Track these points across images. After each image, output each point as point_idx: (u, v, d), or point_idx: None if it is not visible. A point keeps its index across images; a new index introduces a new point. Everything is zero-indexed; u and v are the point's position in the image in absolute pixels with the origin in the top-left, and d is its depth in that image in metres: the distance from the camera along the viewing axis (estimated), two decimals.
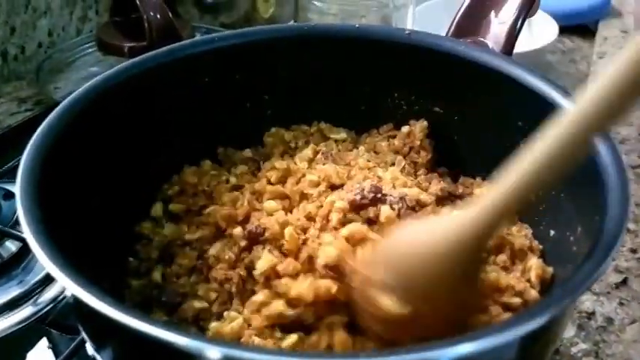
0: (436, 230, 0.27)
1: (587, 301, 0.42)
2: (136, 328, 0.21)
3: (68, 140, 0.32)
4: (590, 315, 0.42)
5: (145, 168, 0.37)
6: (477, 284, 0.28)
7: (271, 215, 0.33)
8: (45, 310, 0.40)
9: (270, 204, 0.34)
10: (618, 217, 0.25)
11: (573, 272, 0.24)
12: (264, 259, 0.30)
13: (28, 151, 0.29)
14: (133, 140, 0.36)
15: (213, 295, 0.31)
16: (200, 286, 0.31)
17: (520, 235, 0.34)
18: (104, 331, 0.26)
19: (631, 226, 0.47)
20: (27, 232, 0.25)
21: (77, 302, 0.26)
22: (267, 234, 0.31)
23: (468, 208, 0.25)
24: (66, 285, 0.23)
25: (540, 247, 0.33)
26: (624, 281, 0.44)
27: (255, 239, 0.31)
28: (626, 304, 0.42)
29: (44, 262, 0.24)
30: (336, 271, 0.28)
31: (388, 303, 0.25)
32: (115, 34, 0.62)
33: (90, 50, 0.67)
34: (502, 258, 0.31)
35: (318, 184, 0.35)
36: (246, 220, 0.33)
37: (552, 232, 0.33)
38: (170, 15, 0.61)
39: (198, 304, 0.30)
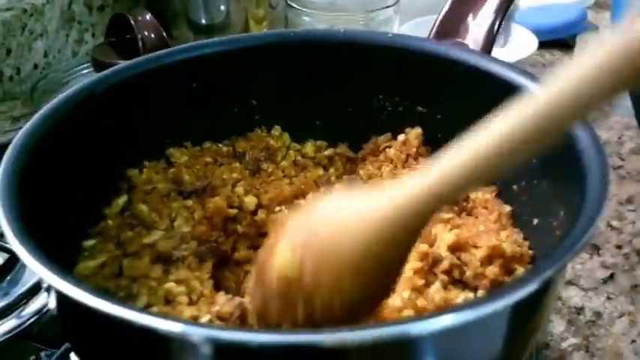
0: (358, 208, 0.23)
1: (575, 297, 0.43)
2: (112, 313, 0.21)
3: (51, 142, 0.32)
4: (580, 310, 0.42)
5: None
6: (395, 272, 0.25)
7: None
8: (28, 322, 0.40)
9: None
10: (600, 191, 0.26)
11: (559, 241, 0.24)
12: None
13: (8, 154, 0.30)
14: (116, 146, 0.37)
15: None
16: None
17: (509, 240, 0.32)
18: (92, 326, 0.26)
19: (615, 223, 0.48)
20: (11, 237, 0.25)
21: (64, 303, 0.25)
22: None
23: (397, 187, 0.23)
24: (53, 282, 0.23)
25: (530, 252, 0.32)
26: (611, 276, 0.44)
27: None
28: (614, 299, 0.42)
29: (24, 256, 0.24)
30: None
31: (285, 256, 0.23)
32: (109, 53, 0.64)
33: (85, 71, 0.68)
34: (493, 270, 0.30)
35: None
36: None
37: (536, 221, 0.33)
38: (164, 34, 0.63)
39: None
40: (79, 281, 0.30)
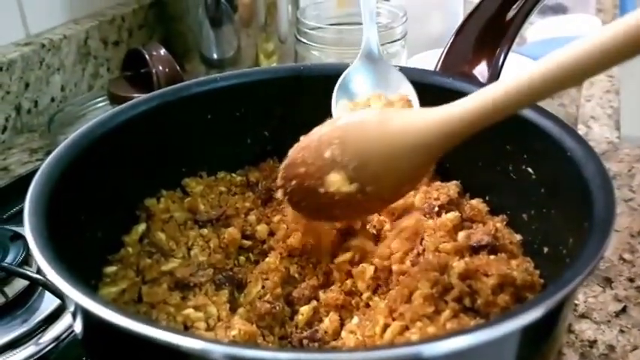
0: (411, 121, 0.27)
1: (588, 330, 0.42)
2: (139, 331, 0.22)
3: (73, 173, 0.33)
4: (592, 343, 0.41)
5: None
6: (423, 171, 0.29)
7: None
8: (46, 349, 0.40)
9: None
10: (606, 218, 0.26)
11: (567, 266, 0.24)
12: None
13: (33, 185, 0.30)
14: (135, 176, 0.38)
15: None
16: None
17: (520, 269, 0.32)
18: (119, 346, 0.26)
19: (627, 256, 0.48)
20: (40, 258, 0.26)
21: (93, 325, 0.26)
22: None
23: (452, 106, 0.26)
24: (86, 305, 0.23)
25: (541, 281, 0.32)
26: (624, 309, 0.44)
27: None
28: (627, 332, 0.42)
29: (49, 273, 0.25)
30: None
31: (336, 179, 0.27)
32: (125, 87, 0.66)
33: (100, 104, 0.70)
34: (504, 298, 0.30)
35: None
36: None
37: (546, 249, 0.33)
38: (178, 68, 0.65)
39: None
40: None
